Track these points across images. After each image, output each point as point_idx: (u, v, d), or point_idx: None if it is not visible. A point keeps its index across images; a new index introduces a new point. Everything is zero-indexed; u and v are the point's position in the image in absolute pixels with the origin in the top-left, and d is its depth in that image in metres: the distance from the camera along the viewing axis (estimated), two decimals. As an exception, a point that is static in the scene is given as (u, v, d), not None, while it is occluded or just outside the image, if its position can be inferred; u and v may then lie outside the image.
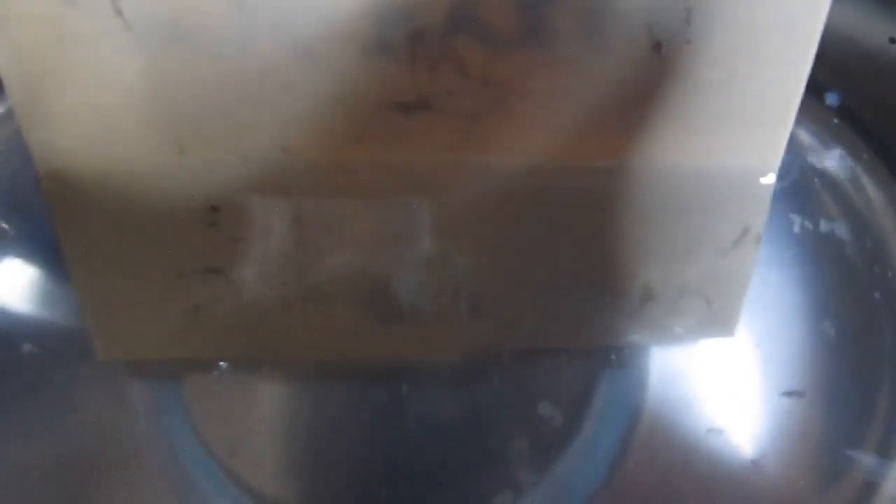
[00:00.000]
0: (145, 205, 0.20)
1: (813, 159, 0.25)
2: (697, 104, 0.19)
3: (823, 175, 0.25)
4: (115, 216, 0.20)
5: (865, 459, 0.21)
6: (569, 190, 0.20)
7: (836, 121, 0.26)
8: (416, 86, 0.19)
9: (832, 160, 0.25)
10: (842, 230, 0.24)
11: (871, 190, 0.25)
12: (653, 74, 0.19)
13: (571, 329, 0.21)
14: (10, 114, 0.23)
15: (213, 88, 0.18)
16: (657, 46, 0.18)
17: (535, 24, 0.18)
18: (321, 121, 0.19)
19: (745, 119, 0.20)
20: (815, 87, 0.25)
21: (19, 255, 0.22)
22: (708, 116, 0.20)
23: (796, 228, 0.24)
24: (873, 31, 0.25)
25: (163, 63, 0.18)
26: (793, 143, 0.25)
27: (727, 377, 0.22)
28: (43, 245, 0.22)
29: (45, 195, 0.19)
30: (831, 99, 0.26)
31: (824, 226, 0.24)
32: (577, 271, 0.21)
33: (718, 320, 0.22)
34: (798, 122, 0.24)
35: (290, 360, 0.21)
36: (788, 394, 0.21)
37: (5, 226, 0.23)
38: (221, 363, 0.21)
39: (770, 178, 0.21)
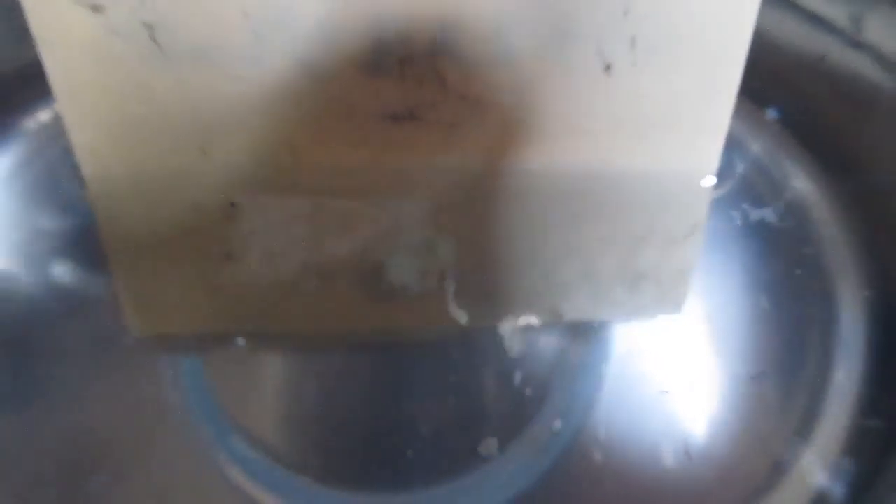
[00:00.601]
0: (174, 201, 0.21)
1: (751, 161, 0.28)
2: (643, 115, 0.21)
3: (761, 174, 0.27)
4: (148, 211, 0.21)
5: (795, 410, 0.23)
6: (534, 187, 0.22)
7: (775, 129, 0.28)
8: (405, 99, 0.20)
9: (769, 162, 0.28)
10: (772, 217, 0.26)
11: (803, 185, 0.27)
12: (604, 91, 0.20)
13: (543, 306, 0.23)
14: (55, 120, 0.26)
15: (232, 102, 0.19)
16: (608, 67, 0.20)
17: (503, 50, 0.19)
18: (324, 129, 0.20)
19: (686, 128, 0.22)
20: (757, 100, 0.28)
21: (63, 246, 0.24)
22: (653, 125, 0.21)
23: (738, 221, 0.26)
24: (807, 51, 0.27)
25: (190, 81, 0.19)
26: (737, 148, 0.28)
27: (678, 347, 0.24)
28: (83, 238, 0.24)
29: (88, 193, 0.21)
30: (771, 112, 0.28)
31: (756, 214, 0.26)
32: (546, 256, 0.22)
33: (669, 299, 0.24)
34: (741, 130, 0.27)
35: (296, 333, 0.23)
36: (734, 361, 0.24)
37: (51, 221, 0.24)
38: (238, 339, 0.22)
39: (710, 180, 0.23)
